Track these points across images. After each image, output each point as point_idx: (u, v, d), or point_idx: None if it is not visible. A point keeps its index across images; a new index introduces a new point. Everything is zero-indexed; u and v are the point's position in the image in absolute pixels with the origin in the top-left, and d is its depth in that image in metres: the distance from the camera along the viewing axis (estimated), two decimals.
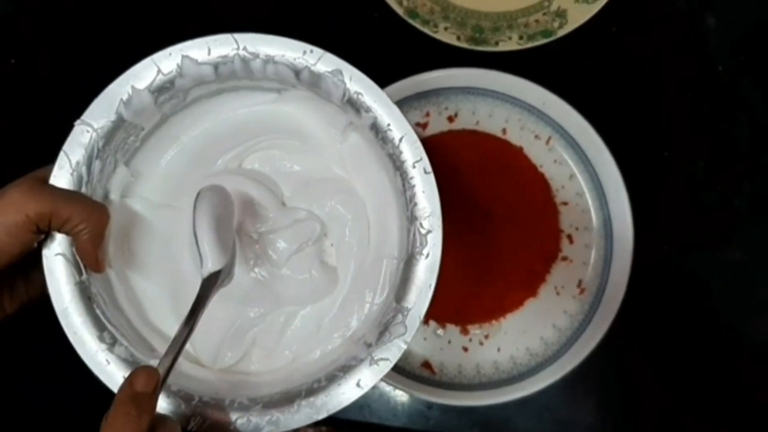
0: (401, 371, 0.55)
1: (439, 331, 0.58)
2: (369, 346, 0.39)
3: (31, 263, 0.39)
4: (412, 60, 0.56)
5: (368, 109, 0.40)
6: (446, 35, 0.58)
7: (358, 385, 0.38)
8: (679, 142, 0.61)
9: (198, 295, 0.38)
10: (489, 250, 0.57)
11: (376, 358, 0.38)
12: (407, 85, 0.55)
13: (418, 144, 0.40)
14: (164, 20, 0.60)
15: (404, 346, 0.38)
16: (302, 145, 0.45)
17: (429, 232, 0.39)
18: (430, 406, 0.59)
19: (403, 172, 0.40)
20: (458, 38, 0.58)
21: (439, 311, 0.57)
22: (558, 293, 0.58)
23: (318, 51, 0.40)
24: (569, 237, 0.58)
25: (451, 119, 0.59)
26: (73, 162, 0.39)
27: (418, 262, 0.39)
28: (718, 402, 0.60)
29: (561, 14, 0.58)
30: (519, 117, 0.58)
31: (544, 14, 0.58)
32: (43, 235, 0.38)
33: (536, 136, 0.58)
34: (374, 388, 0.57)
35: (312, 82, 0.40)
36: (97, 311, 0.39)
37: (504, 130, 0.59)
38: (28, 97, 0.61)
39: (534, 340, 0.57)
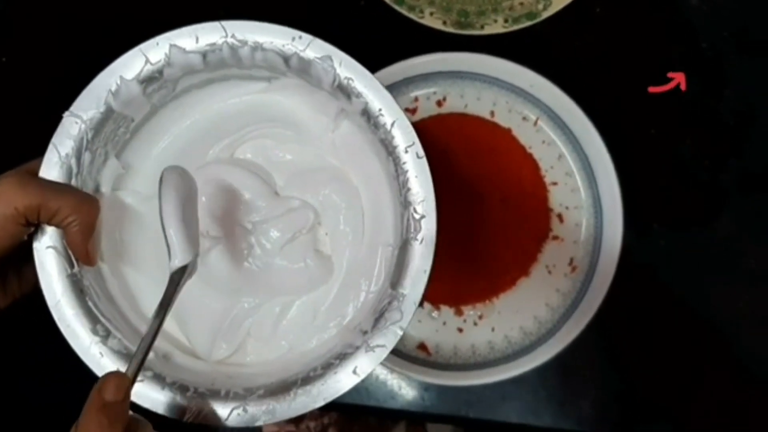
0: (398, 353, 0.56)
1: (434, 313, 0.58)
2: (365, 333, 0.38)
3: (22, 257, 0.39)
4: (399, 46, 0.57)
5: (359, 95, 0.39)
6: (432, 20, 0.58)
7: (354, 372, 0.38)
8: (666, 120, 0.61)
9: (166, 291, 0.36)
10: (480, 231, 0.57)
11: (372, 344, 0.38)
12: (395, 70, 0.56)
13: (410, 128, 0.39)
14: (152, 10, 0.61)
15: (400, 332, 0.38)
16: (294, 134, 0.45)
17: (423, 217, 0.39)
18: (426, 387, 0.59)
19: (396, 158, 0.39)
20: (444, 23, 0.58)
21: (434, 293, 0.58)
22: (550, 272, 0.58)
23: (307, 37, 0.39)
24: (559, 216, 0.59)
25: (439, 103, 0.59)
26: (63, 154, 0.38)
27: (412, 248, 0.39)
28: (710, 375, 0.60)
29: None
30: (507, 99, 0.59)
31: None
32: (33, 228, 0.38)
33: (524, 118, 0.59)
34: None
35: (302, 69, 0.40)
36: (90, 304, 0.39)
37: (492, 113, 0.59)
38: (18, 91, 0.61)
39: (527, 319, 0.58)
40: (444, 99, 0.59)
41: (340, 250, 0.44)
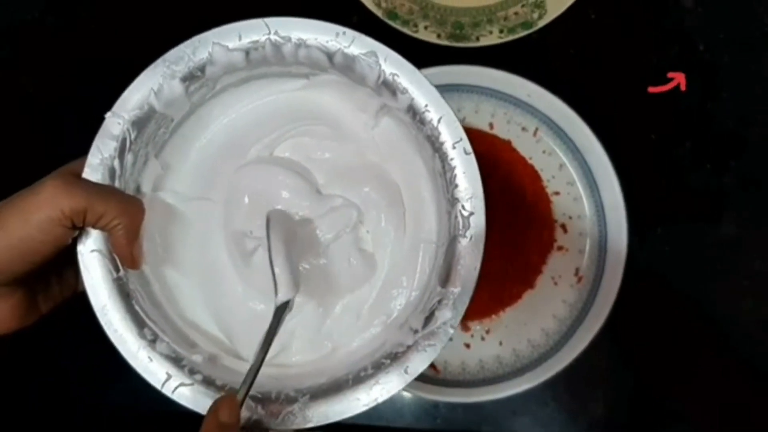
0: None
1: None
2: (415, 332, 0.38)
3: (65, 262, 0.38)
4: None
5: (404, 91, 0.39)
6: (427, 34, 0.57)
7: (405, 371, 0.37)
8: (666, 124, 0.61)
9: (270, 324, 0.37)
10: (484, 245, 0.56)
11: (423, 344, 0.37)
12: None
13: (457, 124, 0.39)
14: (189, 9, 0.59)
15: (452, 331, 0.37)
16: (333, 131, 0.44)
17: (471, 214, 0.38)
18: (436, 404, 0.59)
19: (443, 154, 0.39)
20: (439, 36, 0.57)
21: None
22: (556, 283, 0.58)
23: (351, 32, 0.39)
24: (563, 226, 0.58)
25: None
26: (105, 155, 0.38)
27: (461, 245, 0.38)
28: (720, 377, 0.60)
29: (540, 5, 0.58)
30: (505, 111, 0.58)
31: (523, 6, 0.58)
32: (77, 232, 0.37)
33: (523, 129, 0.58)
34: None
35: (346, 66, 0.39)
36: (136, 307, 0.38)
37: (491, 125, 0.59)
38: (55, 89, 0.60)
39: (535, 331, 0.57)
40: None
41: (382, 247, 0.43)
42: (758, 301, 0.61)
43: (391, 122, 0.43)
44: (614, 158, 0.56)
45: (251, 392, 0.37)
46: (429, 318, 0.38)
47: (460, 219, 0.38)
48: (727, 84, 0.61)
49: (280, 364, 0.42)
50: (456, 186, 0.38)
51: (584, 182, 0.58)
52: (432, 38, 0.57)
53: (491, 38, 0.58)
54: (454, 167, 0.39)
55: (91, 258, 0.38)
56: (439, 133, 0.39)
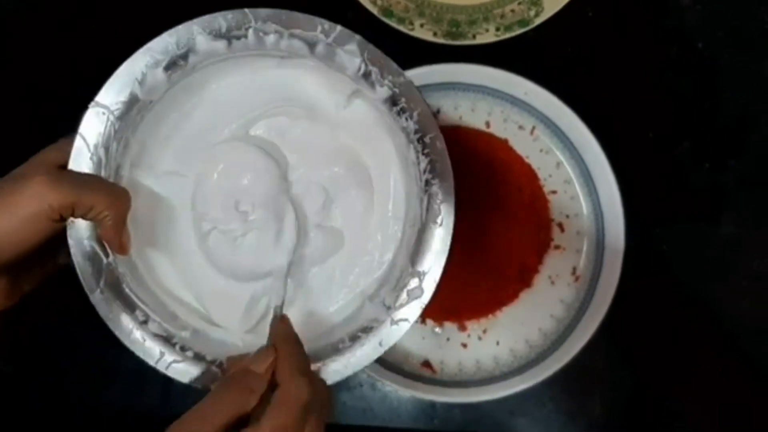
0: (402, 372, 0.55)
1: (437, 329, 0.57)
2: (389, 308, 0.41)
3: (46, 245, 0.38)
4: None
5: (383, 84, 0.41)
6: (423, 32, 0.57)
7: (380, 344, 0.41)
8: (664, 123, 0.60)
9: (271, 323, 0.40)
10: (481, 244, 0.57)
11: (396, 319, 0.41)
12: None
13: (432, 119, 0.41)
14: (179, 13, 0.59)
15: (422, 307, 0.41)
16: (307, 112, 0.45)
17: (443, 201, 0.41)
18: (433, 405, 0.58)
19: (417, 146, 0.41)
20: (435, 34, 0.57)
21: (436, 309, 0.57)
22: (553, 282, 0.58)
23: (334, 26, 0.41)
24: (560, 225, 0.58)
25: (433, 116, 0.58)
26: (92, 145, 0.39)
27: (432, 230, 0.41)
28: (719, 376, 0.60)
29: (536, 2, 0.57)
30: (502, 109, 0.58)
31: (520, 3, 0.58)
32: (64, 224, 0.38)
33: (520, 127, 0.58)
34: (375, 390, 0.57)
35: (327, 56, 0.41)
36: (127, 291, 0.40)
37: (488, 124, 0.58)
38: (34, 80, 0.60)
39: (532, 331, 0.57)
40: (438, 112, 0.58)
41: (350, 224, 0.46)
42: (757, 301, 0.60)
43: (365, 106, 0.44)
44: (612, 157, 0.55)
45: None
46: (401, 295, 0.41)
47: (432, 206, 0.41)
48: (727, 83, 0.61)
49: (262, 333, 0.44)
50: (429, 175, 0.41)
51: (581, 181, 0.57)
52: (428, 36, 0.57)
53: (488, 36, 0.57)
54: (428, 158, 0.41)
55: (82, 245, 0.39)
56: (416, 126, 0.41)
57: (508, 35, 0.57)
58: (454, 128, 0.58)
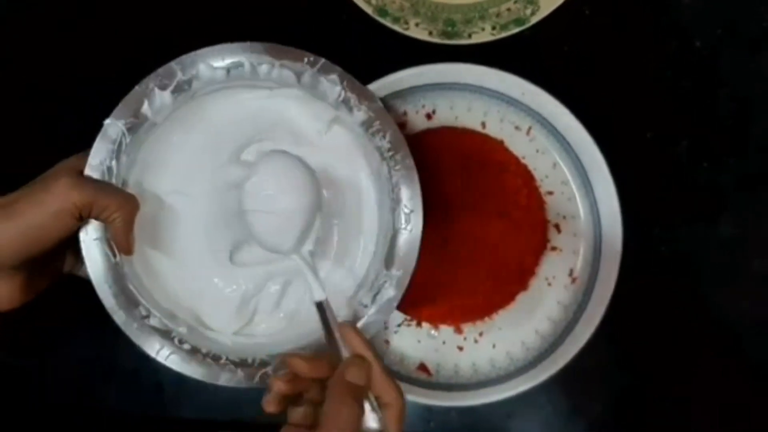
0: (397, 375, 0.55)
1: (433, 332, 0.57)
2: (365, 306, 0.47)
3: (57, 249, 0.43)
4: (385, 59, 0.55)
5: (360, 109, 0.48)
6: (418, 31, 0.57)
7: None
8: (662, 122, 0.60)
9: (321, 318, 0.44)
10: (477, 246, 0.56)
11: (372, 316, 0.47)
12: (382, 85, 0.54)
13: (402, 139, 0.48)
14: (179, 13, 0.59)
15: (395, 305, 0.47)
16: (291, 137, 0.50)
17: (412, 211, 0.48)
18: (429, 408, 0.58)
19: (389, 162, 0.48)
20: (430, 33, 0.57)
21: (431, 312, 0.57)
22: (549, 284, 0.57)
23: (318, 59, 0.47)
24: (557, 226, 0.58)
25: (429, 117, 0.58)
26: (104, 157, 0.45)
27: (403, 237, 0.48)
28: (718, 377, 0.60)
29: (532, 1, 0.57)
30: (498, 109, 0.57)
31: (516, 2, 0.57)
32: (83, 222, 0.44)
33: (516, 127, 0.58)
34: None
35: (311, 85, 0.48)
36: (131, 287, 0.46)
37: (483, 124, 0.58)
38: (34, 80, 0.61)
39: (529, 333, 0.57)
40: (433, 112, 0.58)
41: (329, 235, 0.51)
42: (757, 302, 0.60)
43: (342, 130, 0.50)
44: (609, 157, 0.55)
45: (231, 358, 0.46)
46: (377, 295, 0.47)
47: (402, 215, 0.48)
48: (725, 81, 0.60)
49: (249, 334, 0.50)
50: (400, 189, 0.48)
51: (578, 182, 0.57)
52: (423, 35, 0.57)
53: (483, 35, 0.57)
54: (398, 174, 0.48)
55: (93, 245, 0.45)
56: (388, 146, 0.48)
57: (504, 34, 0.57)
58: (449, 129, 0.58)
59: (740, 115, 0.60)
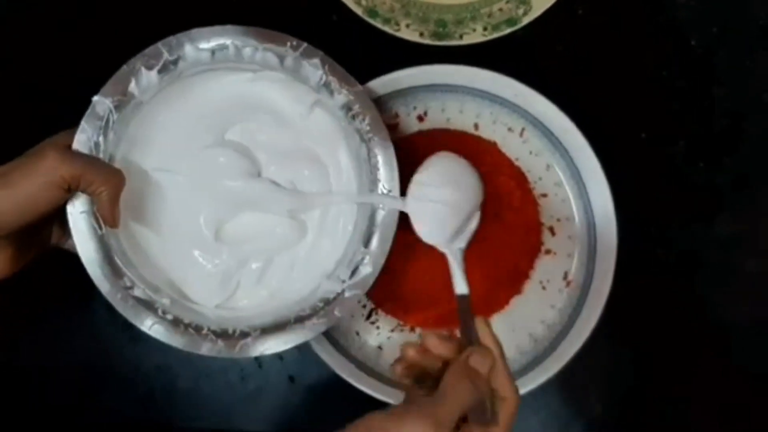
0: (390, 383, 0.54)
1: None
2: (343, 281, 0.49)
3: (44, 223, 0.46)
4: (375, 61, 0.54)
5: (340, 92, 0.49)
6: (409, 32, 0.56)
7: (336, 312, 0.49)
8: (657, 123, 0.59)
9: (461, 310, 0.48)
10: (469, 251, 0.55)
11: (349, 291, 0.49)
12: (372, 87, 0.54)
13: (381, 122, 0.50)
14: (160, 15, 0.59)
15: (371, 281, 0.49)
16: (274, 119, 0.52)
17: (390, 191, 0.49)
18: None
19: (369, 145, 0.50)
20: (421, 34, 0.56)
21: (424, 317, 0.56)
22: (544, 288, 0.57)
23: (300, 43, 0.49)
24: (551, 229, 0.57)
25: (420, 119, 0.57)
26: (91, 132, 0.46)
27: (381, 215, 0.50)
28: (715, 377, 0.60)
29: (525, 1, 0.56)
30: (490, 111, 0.57)
31: (508, 2, 0.57)
32: (70, 195, 0.45)
33: (509, 129, 0.57)
34: (365, 402, 0.57)
35: (293, 68, 0.49)
36: (116, 259, 0.47)
37: (476, 126, 0.57)
38: (34, 80, 0.61)
39: (523, 338, 0.56)
40: (425, 114, 0.57)
41: (312, 214, 0.53)
42: (755, 302, 0.60)
43: (323, 113, 0.52)
44: (604, 158, 0.54)
45: (213, 328, 0.48)
46: (354, 271, 0.49)
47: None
48: (721, 80, 0.59)
49: (231, 308, 0.52)
50: (378, 170, 0.50)
51: (572, 183, 0.56)
52: (414, 37, 0.56)
53: (475, 36, 0.56)
54: (377, 155, 0.50)
55: (80, 218, 0.46)
56: (367, 128, 0.49)
57: (496, 35, 0.56)
58: (442, 131, 0.57)
59: (736, 113, 0.60)
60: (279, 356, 0.60)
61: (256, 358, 0.60)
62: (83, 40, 0.60)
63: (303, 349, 0.60)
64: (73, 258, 0.47)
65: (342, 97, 0.49)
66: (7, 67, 0.60)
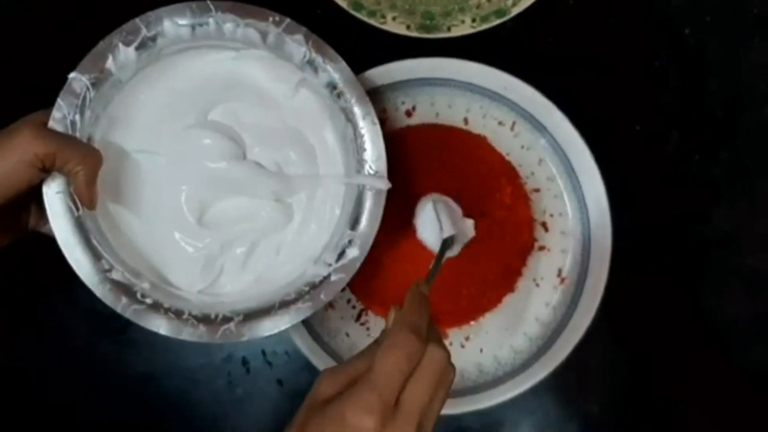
0: None
1: None
2: (329, 265, 0.48)
3: (21, 205, 0.46)
4: (361, 55, 0.53)
5: (325, 70, 0.48)
6: (395, 25, 0.55)
7: (322, 296, 0.47)
8: (651, 114, 0.58)
9: (438, 253, 0.48)
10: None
11: (335, 275, 0.47)
12: (360, 82, 0.52)
13: (367, 100, 0.48)
14: None
15: (358, 265, 0.47)
16: (259, 99, 0.51)
17: (376, 172, 0.48)
18: None
19: (354, 124, 0.48)
20: (408, 27, 0.55)
21: None
22: (538, 285, 0.56)
23: (283, 18, 0.48)
24: (544, 225, 0.56)
25: (409, 114, 0.56)
26: (67, 110, 0.45)
27: (367, 197, 0.48)
28: (712, 376, 0.59)
29: None
30: (480, 105, 0.56)
31: None
32: (46, 175, 0.44)
33: (500, 123, 0.56)
34: None
35: (276, 45, 0.48)
36: (94, 241, 0.46)
37: (466, 120, 0.56)
38: (34, 80, 0.58)
39: (517, 337, 0.55)
40: (413, 108, 0.56)
41: (298, 197, 0.52)
42: (753, 299, 0.59)
43: (309, 93, 0.51)
44: (597, 152, 0.53)
45: (195, 313, 0.46)
46: (341, 254, 0.48)
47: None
48: (715, 70, 0.58)
49: (214, 294, 0.50)
50: (364, 150, 0.48)
51: (565, 178, 0.55)
52: (401, 30, 0.55)
53: (463, 28, 0.55)
54: (363, 135, 0.48)
55: (56, 199, 0.45)
56: (353, 106, 0.48)
57: (484, 26, 0.55)
58: (431, 125, 0.56)
59: (731, 105, 0.59)
60: (267, 361, 0.59)
61: (244, 363, 0.59)
62: (83, 40, 0.59)
63: (292, 352, 0.59)
64: (54, 247, 0.46)
65: (326, 75, 0.48)
66: (7, 67, 0.60)
